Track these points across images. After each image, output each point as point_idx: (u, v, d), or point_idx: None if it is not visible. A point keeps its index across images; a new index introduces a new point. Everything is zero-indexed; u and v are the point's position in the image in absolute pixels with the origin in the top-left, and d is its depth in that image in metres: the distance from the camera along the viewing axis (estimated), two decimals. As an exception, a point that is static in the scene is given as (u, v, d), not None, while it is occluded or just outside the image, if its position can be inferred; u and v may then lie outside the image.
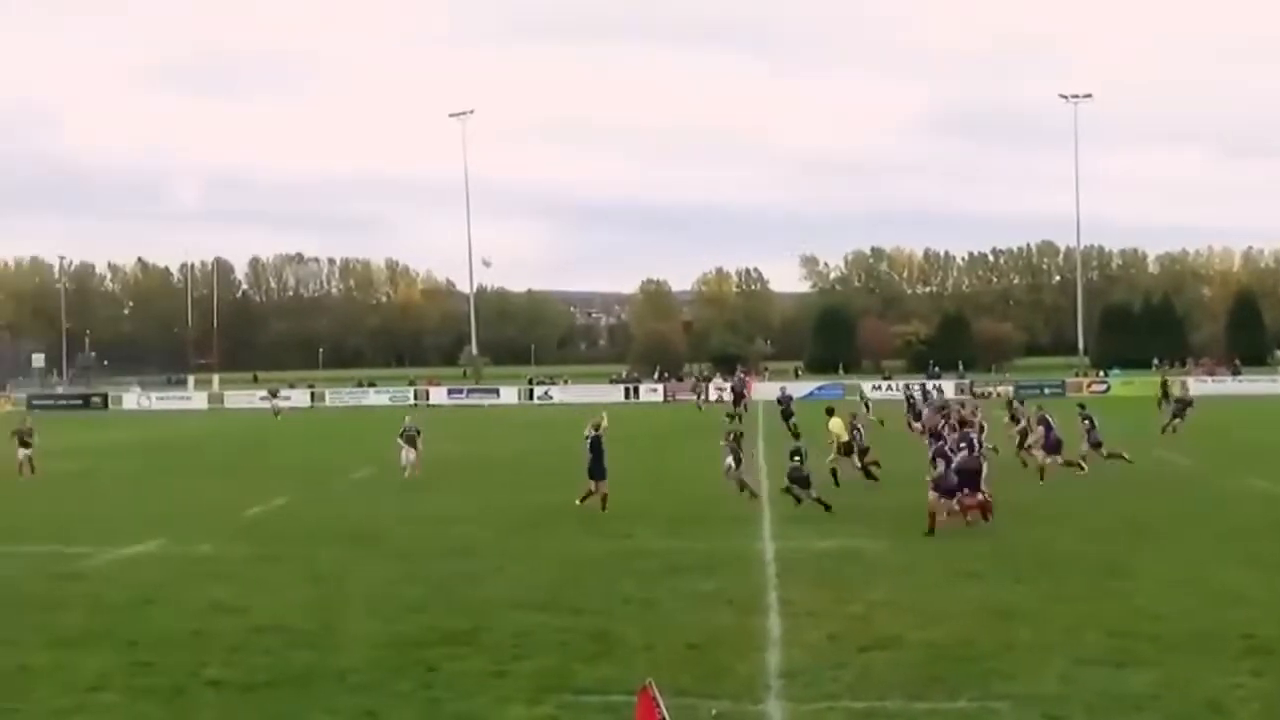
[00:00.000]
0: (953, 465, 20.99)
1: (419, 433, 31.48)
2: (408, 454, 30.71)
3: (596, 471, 23.81)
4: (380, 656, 12.82)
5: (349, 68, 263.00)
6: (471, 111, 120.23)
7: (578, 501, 23.75)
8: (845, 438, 28.63)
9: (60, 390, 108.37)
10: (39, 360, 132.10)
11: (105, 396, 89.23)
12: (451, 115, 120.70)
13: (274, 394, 74.39)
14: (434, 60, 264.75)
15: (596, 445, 23.95)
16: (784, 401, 47.42)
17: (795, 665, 12.27)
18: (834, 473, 27.22)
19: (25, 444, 33.84)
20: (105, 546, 20.48)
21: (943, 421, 28.55)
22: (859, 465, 28.24)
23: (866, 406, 42.32)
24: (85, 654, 13.09)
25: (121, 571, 18.53)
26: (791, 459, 23.64)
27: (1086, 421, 30.04)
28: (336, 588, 16.80)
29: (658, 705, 6.93)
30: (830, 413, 30.11)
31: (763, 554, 19.16)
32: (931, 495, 20.65)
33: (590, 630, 13.81)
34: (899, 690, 11.37)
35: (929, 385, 69.15)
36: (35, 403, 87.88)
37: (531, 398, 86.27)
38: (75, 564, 18.95)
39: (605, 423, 24.92)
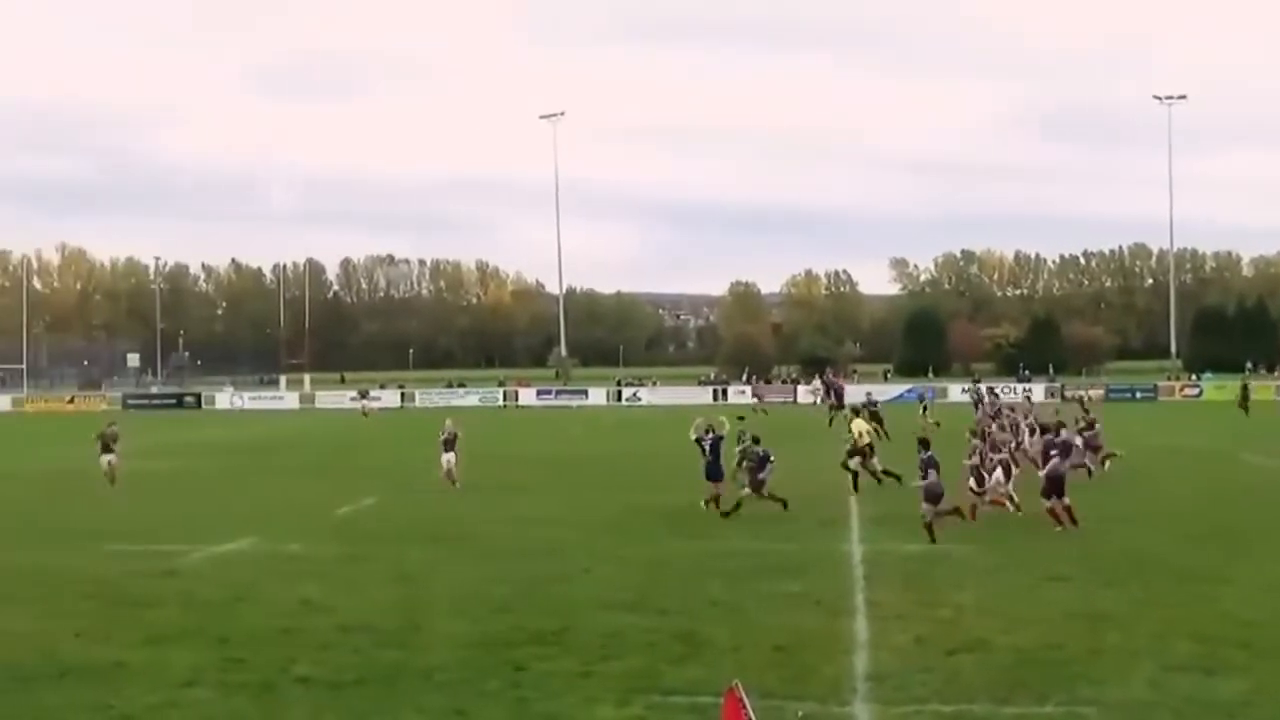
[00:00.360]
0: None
1: (457, 436, 29.67)
2: (448, 459, 28.97)
3: (714, 473, 23.81)
4: (468, 656, 12.89)
5: (441, 70, 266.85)
6: (562, 113, 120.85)
7: (702, 504, 23.57)
8: (866, 440, 27.82)
9: (154, 390, 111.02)
10: (134, 360, 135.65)
11: (199, 396, 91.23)
12: (542, 117, 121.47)
13: (363, 395, 75.49)
14: (525, 62, 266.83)
15: (716, 447, 23.96)
16: (871, 405, 47.07)
17: (882, 668, 12.14)
18: (854, 476, 26.70)
19: (108, 449, 30.48)
20: (198, 545, 20.87)
21: (994, 425, 28.07)
22: (874, 470, 27.15)
23: (924, 409, 41.82)
24: (178, 650, 13.32)
25: (214, 569, 18.87)
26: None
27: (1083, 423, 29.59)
28: (424, 587, 16.94)
29: (744, 707, 6.87)
30: (856, 413, 29.53)
31: (850, 556, 19.00)
32: (924, 506, 20.19)
33: (677, 631, 13.78)
34: (986, 694, 11.20)
35: (995, 387, 67.76)
36: (130, 402, 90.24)
37: (620, 399, 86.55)
38: (169, 562, 19.33)
39: (727, 425, 25.17)
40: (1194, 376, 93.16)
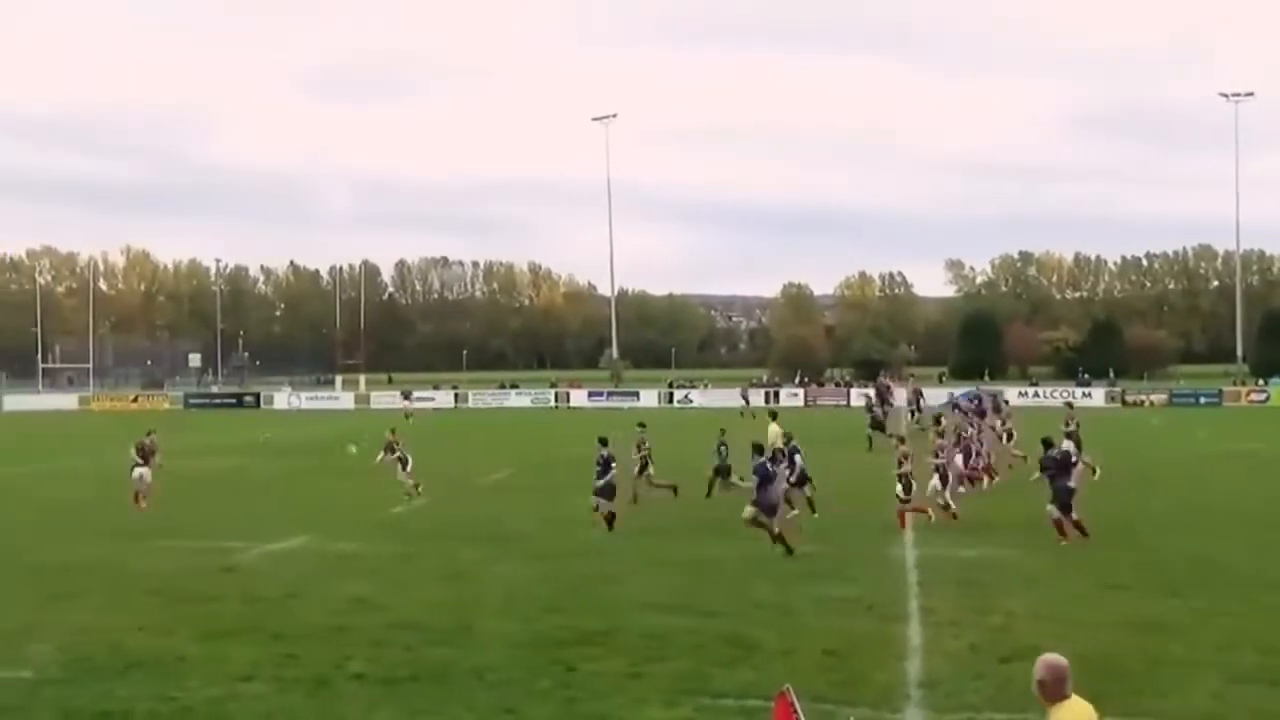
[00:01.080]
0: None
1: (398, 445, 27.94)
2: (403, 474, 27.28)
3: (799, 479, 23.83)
4: (518, 655, 12.96)
5: (494, 72, 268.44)
6: (614, 115, 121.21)
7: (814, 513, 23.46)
8: (781, 445, 26.41)
9: (215, 389, 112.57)
10: (195, 360, 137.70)
11: (257, 396, 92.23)
12: (594, 119, 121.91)
13: (406, 396, 75.85)
14: (578, 64, 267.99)
15: (793, 456, 23.91)
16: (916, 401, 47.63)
17: (935, 675, 12.05)
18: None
19: (144, 460, 26.74)
20: (256, 542, 21.14)
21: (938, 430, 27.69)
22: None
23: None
24: (236, 645, 13.53)
25: (271, 566, 19.11)
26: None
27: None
28: (475, 586, 17.05)
29: (795, 711, 6.86)
30: (773, 417, 28.82)
31: (904, 561, 18.87)
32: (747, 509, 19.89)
33: (726, 634, 13.76)
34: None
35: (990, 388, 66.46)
36: (191, 401, 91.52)
37: (671, 401, 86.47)
38: (228, 559, 19.61)
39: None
40: (1261, 381, 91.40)
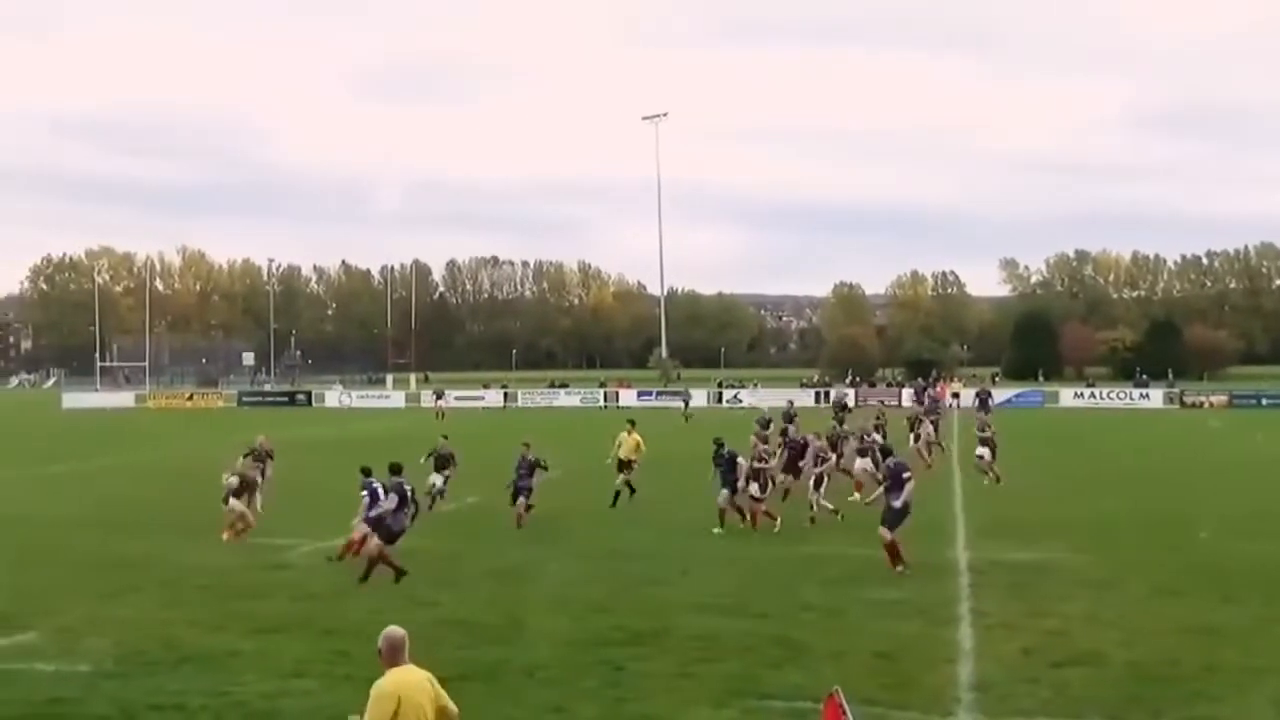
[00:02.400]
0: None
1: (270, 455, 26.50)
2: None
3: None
4: (567, 654, 12.97)
5: (544, 72, 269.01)
6: (664, 114, 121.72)
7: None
8: (633, 457, 26.28)
9: (268, 387, 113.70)
10: (249, 358, 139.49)
11: (309, 394, 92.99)
12: (644, 118, 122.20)
13: (439, 395, 76.10)
14: (627, 64, 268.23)
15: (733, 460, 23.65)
16: (930, 401, 46.95)
17: (987, 678, 11.93)
18: (618, 493, 25.77)
19: (244, 490, 22.03)
20: (307, 539, 21.31)
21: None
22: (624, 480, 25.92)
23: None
24: (288, 641, 13.65)
25: (321, 563, 19.24)
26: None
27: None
28: (524, 585, 17.09)
29: (844, 713, 6.80)
30: (632, 424, 27.72)
31: (955, 564, 18.71)
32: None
33: (775, 636, 13.70)
34: (1096, 708, 10.94)
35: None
36: (245, 399, 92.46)
37: (721, 401, 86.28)
38: (279, 555, 19.80)
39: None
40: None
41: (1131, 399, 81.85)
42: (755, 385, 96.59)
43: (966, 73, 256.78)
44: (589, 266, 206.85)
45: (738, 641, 13.44)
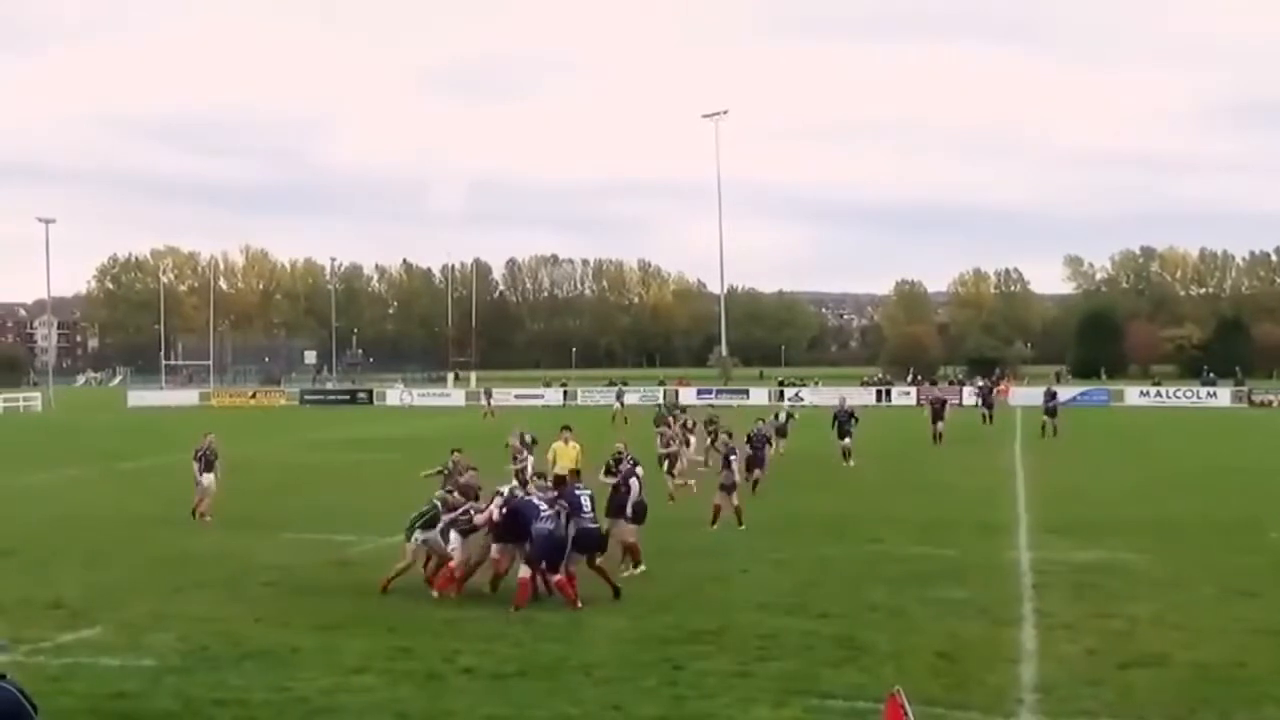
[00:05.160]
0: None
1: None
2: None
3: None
4: (626, 652, 12.97)
5: (604, 71, 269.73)
6: (725, 112, 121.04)
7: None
8: (574, 468, 22.23)
9: (330, 386, 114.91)
10: (311, 357, 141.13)
11: (370, 392, 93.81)
12: (705, 116, 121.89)
13: (487, 395, 76.41)
14: (688, 62, 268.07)
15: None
16: (936, 404, 45.70)
17: (1050, 680, 11.77)
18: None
19: (209, 467, 24.71)
20: (370, 535, 21.46)
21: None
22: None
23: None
24: (349, 637, 13.75)
25: (384, 559, 19.28)
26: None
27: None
28: (583, 584, 17.07)
29: (905, 713, 6.74)
30: (569, 431, 26.23)
31: (1018, 564, 18.49)
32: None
33: (836, 635, 13.61)
34: (1162, 711, 10.75)
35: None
36: (307, 398, 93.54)
37: (781, 399, 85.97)
38: (342, 551, 19.98)
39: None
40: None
41: (1199, 398, 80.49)
42: (816, 383, 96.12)
43: (1029, 67, 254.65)
44: (649, 265, 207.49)
45: (798, 640, 13.36)
